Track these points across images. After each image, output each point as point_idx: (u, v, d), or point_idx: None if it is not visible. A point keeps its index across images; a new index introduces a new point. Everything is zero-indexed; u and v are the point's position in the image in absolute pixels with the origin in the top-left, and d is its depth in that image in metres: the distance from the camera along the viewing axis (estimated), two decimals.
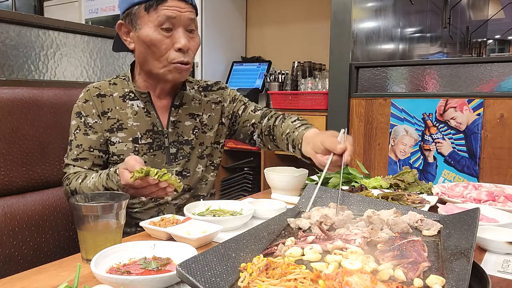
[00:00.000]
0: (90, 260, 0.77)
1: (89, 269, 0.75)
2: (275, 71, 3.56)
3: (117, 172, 1.11)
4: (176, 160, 1.33)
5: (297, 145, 1.24)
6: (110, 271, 0.77)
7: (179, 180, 1.06)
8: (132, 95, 1.31)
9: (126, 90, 1.32)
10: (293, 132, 1.27)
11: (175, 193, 1.16)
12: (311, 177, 1.57)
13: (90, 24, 3.99)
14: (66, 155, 1.29)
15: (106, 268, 0.78)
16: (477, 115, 2.29)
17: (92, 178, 1.19)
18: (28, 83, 1.66)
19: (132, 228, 1.32)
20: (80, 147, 1.27)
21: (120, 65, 2.06)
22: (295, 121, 1.33)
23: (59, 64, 1.83)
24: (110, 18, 3.99)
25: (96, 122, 1.28)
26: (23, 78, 1.70)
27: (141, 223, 1.03)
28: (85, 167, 1.27)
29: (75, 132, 1.28)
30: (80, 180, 1.21)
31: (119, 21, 1.28)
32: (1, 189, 1.25)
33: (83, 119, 1.28)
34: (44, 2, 4.61)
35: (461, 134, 2.34)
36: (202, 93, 1.42)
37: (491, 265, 0.85)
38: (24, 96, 1.32)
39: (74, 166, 1.26)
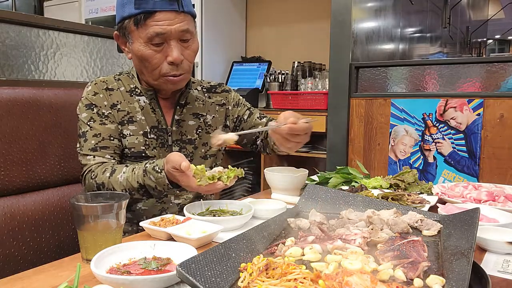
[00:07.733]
0: (90, 260, 0.77)
1: (89, 269, 0.75)
2: (275, 71, 3.56)
3: (156, 169, 1.11)
4: None
5: None
6: (110, 271, 0.77)
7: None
8: (138, 91, 1.31)
9: (132, 86, 1.32)
10: None
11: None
12: (311, 177, 1.57)
13: (90, 24, 3.99)
14: (80, 147, 1.25)
15: (106, 268, 0.78)
16: (477, 115, 2.28)
17: (124, 173, 1.16)
18: (28, 83, 1.66)
19: (133, 226, 1.32)
20: (98, 136, 1.24)
21: (120, 65, 2.06)
22: None
23: (59, 64, 1.83)
24: (110, 18, 3.99)
25: (110, 113, 1.27)
26: (23, 78, 1.70)
27: (141, 223, 1.03)
28: (107, 156, 1.24)
29: (89, 123, 1.25)
30: (108, 174, 1.17)
31: (115, 32, 1.28)
32: (1, 189, 1.25)
33: (95, 110, 1.26)
34: (44, 2, 4.61)
35: (461, 134, 2.34)
36: (206, 94, 1.43)
37: (491, 265, 0.85)
38: (24, 96, 1.32)
39: (94, 156, 1.23)
